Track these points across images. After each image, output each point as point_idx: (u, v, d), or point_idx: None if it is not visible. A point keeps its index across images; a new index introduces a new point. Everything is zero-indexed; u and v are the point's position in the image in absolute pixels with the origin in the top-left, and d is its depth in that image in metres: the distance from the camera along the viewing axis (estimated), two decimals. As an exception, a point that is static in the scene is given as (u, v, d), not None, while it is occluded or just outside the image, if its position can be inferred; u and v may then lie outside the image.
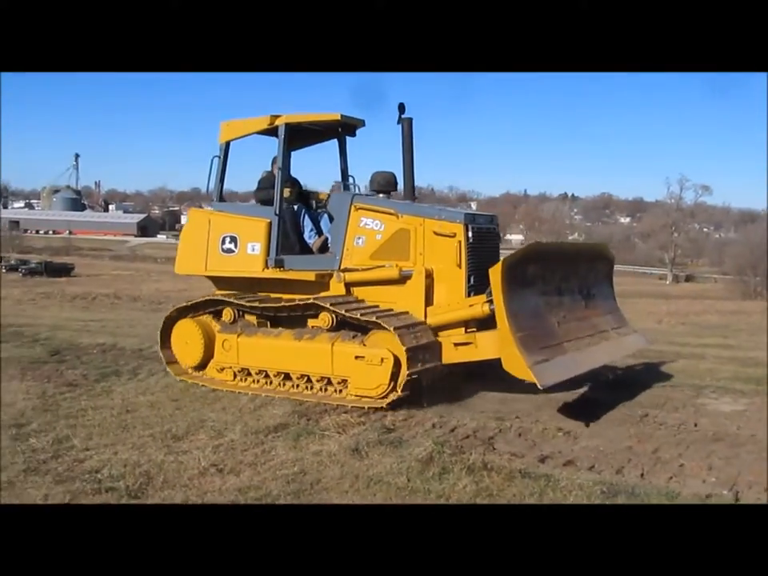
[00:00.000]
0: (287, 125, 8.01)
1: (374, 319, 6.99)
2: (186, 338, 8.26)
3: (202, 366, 8.27)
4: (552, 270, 7.20)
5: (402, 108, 7.83)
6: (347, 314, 7.18)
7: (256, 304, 7.93)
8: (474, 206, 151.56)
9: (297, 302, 7.61)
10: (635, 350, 8.93)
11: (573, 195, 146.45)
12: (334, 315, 7.35)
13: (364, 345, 7.13)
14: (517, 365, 6.20)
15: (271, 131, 8.19)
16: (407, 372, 6.82)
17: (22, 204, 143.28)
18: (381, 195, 8.06)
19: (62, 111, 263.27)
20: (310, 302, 7.46)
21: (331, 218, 8.36)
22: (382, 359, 6.90)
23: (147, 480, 5.11)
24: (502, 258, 6.67)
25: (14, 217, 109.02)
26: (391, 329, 6.81)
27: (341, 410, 7.11)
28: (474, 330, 7.14)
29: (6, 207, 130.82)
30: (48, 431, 6.30)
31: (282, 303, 7.80)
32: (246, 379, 8.02)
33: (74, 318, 16.80)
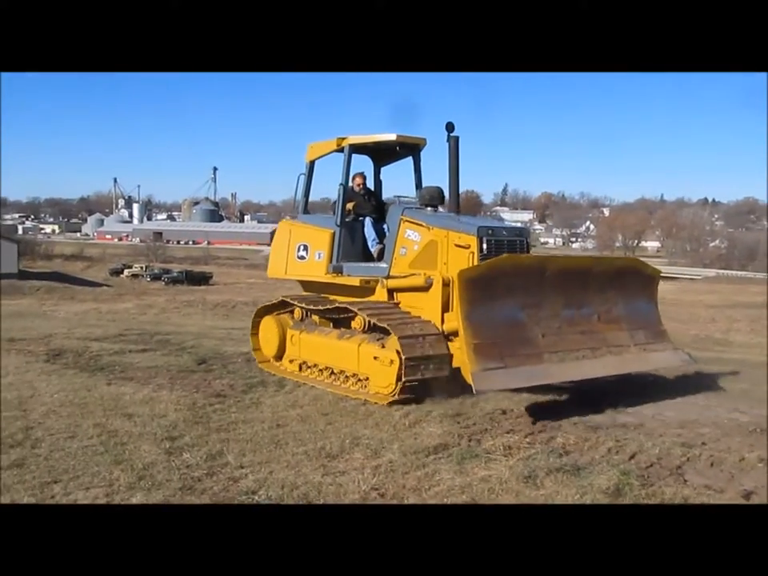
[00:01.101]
0: (350, 145, 8.93)
1: (385, 325, 7.49)
2: (267, 332, 9.46)
3: (278, 356, 9.35)
4: (541, 283, 7.17)
5: (450, 127, 8.23)
6: (369, 318, 7.81)
7: (304, 305, 8.99)
8: (606, 212, 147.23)
9: (334, 306, 8.46)
10: (664, 366, 8.60)
11: (714, 200, 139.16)
12: (365, 318, 7.93)
13: (383, 347, 7.61)
14: (464, 369, 6.61)
15: (340, 151, 9.01)
16: (404, 379, 7.23)
17: (164, 216, 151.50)
18: (428, 209, 8.60)
19: (201, 126, 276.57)
20: (342, 306, 8.28)
21: (388, 229, 8.93)
22: (391, 361, 7.35)
23: (307, 504, 4.75)
24: (459, 270, 6.88)
25: (157, 228, 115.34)
26: (397, 336, 7.26)
27: (503, 429, 6.55)
28: None
29: (150, 219, 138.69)
30: (201, 445, 6.08)
31: (323, 306, 8.67)
32: (306, 370, 8.88)
33: (216, 327, 17.14)
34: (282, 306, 9.49)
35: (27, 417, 7.03)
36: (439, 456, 5.76)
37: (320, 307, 8.75)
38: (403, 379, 7.22)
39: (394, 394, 7.37)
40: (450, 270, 7.67)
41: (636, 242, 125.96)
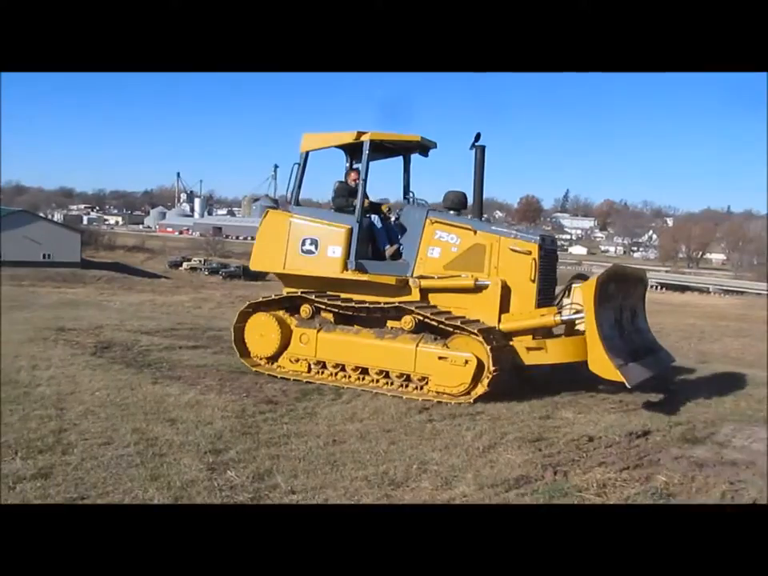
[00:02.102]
0: (371, 141, 8.60)
1: (474, 331, 7.61)
2: (262, 331, 8.82)
3: (274, 357, 8.83)
4: (619, 289, 7.99)
5: (477, 137, 8.46)
6: (448, 323, 7.80)
7: (350, 304, 8.49)
8: (670, 222, 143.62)
9: (391, 305, 8.18)
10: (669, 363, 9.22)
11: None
12: (418, 319, 7.98)
13: (447, 347, 7.77)
14: (605, 367, 6.93)
15: (354, 146, 8.81)
16: (486, 387, 7.50)
17: (224, 211, 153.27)
18: (451, 212, 8.71)
19: (263, 124, 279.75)
20: (411, 307, 8.05)
21: (402, 229, 8.89)
22: (466, 361, 7.56)
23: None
24: (594, 277, 7.45)
25: (217, 223, 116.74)
26: (488, 347, 7.49)
27: (593, 461, 5.68)
28: (540, 337, 7.93)
29: (210, 214, 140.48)
30: (248, 462, 5.38)
31: (380, 305, 8.27)
32: (321, 371, 8.55)
33: (271, 324, 16.49)
34: (274, 304, 9.04)
35: (62, 417, 6.44)
36: (522, 491, 4.93)
37: (368, 306, 8.41)
38: (487, 386, 7.49)
39: (467, 393, 7.61)
40: (502, 274, 8.04)
41: (700, 253, 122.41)
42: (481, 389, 7.55)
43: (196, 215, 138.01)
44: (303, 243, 8.85)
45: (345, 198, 9.02)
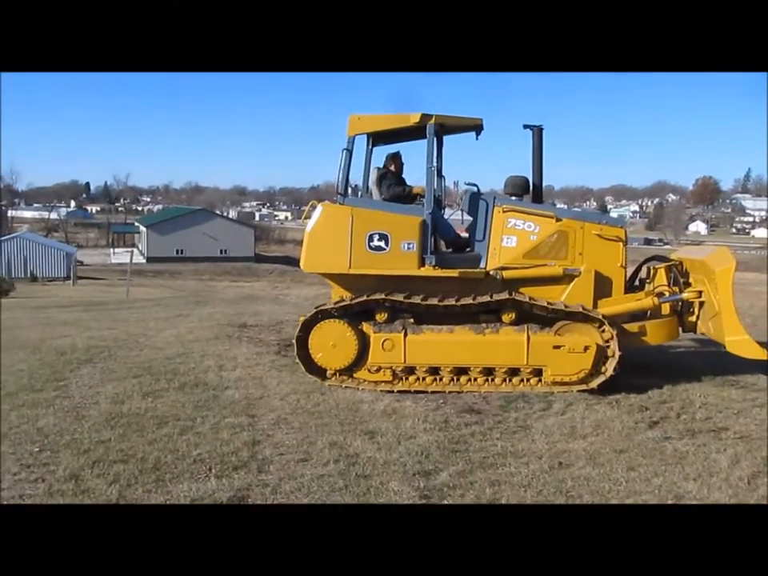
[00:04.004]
0: (437, 124, 7.92)
1: (600, 317, 7.46)
2: (334, 340, 7.79)
3: (348, 369, 7.82)
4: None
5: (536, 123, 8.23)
6: (581, 311, 7.49)
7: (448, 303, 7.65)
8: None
9: (499, 299, 7.57)
10: None
11: None
12: (518, 310, 7.58)
13: (559, 335, 7.51)
14: (750, 347, 7.24)
15: (416, 128, 7.96)
16: (616, 366, 7.38)
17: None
18: (514, 197, 8.28)
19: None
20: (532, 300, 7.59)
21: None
22: (586, 347, 7.37)
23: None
24: (733, 264, 7.43)
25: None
26: (615, 332, 7.43)
27: None
28: (627, 320, 7.88)
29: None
30: (464, 488, 4.61)
31: (489, 299, 7.59)
32: (401, 377, 7.70)
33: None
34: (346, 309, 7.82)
35: (255, 426, 6.00)
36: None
37: (463, 303, 7.64)
38: (616, 369, 7.37)
39: (590, 376, 7.42)
40: (587, 260, 7.82)
41: None
42: (596, 381, 7.40)
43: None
44: (371, 239, 7.85)
45: (402, 186, 8.33)
